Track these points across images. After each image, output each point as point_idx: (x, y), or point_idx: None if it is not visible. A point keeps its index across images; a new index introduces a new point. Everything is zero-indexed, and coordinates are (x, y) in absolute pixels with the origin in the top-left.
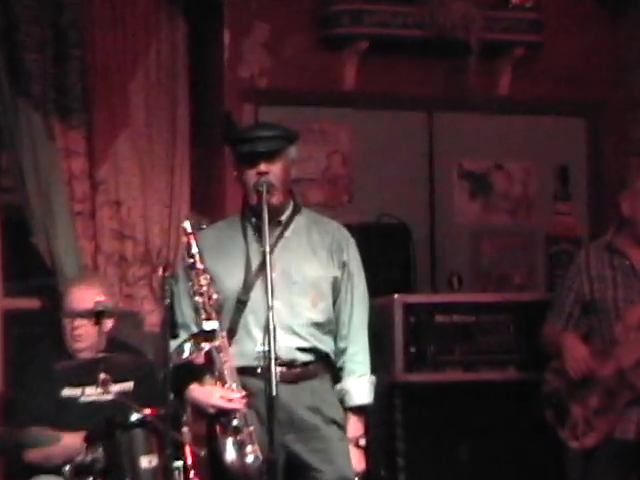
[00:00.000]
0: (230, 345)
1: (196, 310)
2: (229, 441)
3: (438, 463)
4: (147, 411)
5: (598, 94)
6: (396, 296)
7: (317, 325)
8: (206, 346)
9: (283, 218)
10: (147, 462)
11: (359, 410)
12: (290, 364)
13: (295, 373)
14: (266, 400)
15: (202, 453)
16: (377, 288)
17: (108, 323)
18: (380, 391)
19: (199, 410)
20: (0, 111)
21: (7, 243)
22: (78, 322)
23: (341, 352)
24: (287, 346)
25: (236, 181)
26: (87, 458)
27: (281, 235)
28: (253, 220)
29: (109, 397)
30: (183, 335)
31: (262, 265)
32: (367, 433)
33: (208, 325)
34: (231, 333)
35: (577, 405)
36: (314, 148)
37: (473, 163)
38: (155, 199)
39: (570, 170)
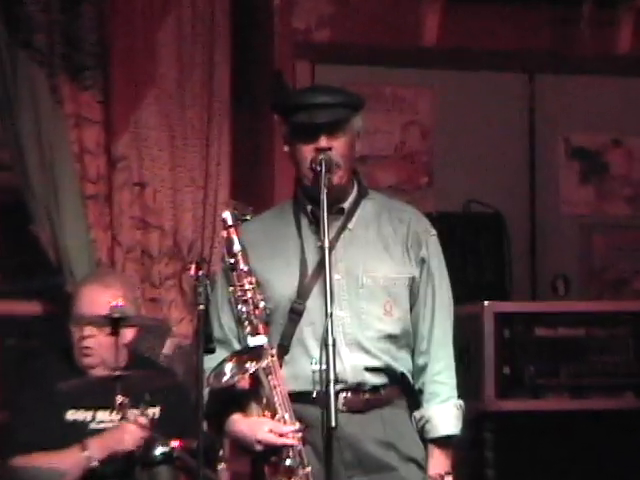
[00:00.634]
0: (281, 366)
1: (239, 322)
2: None
3: None
4: (174, 443)
5: None
6: (487, 303)
7: (391, 338)
8: (251, 367)
9: (346, 205)
10: None
11: (444, 442)
12: (357, 388)
13: (363, 400)
14: (324, 433)
15: None
16: (463, 293)
17: (127, 333)
18: (466, 422)
19: (241, 445)
20: None
21: (2, 233)
22: (89, 331)
23: (420, 371)
24: (353, 365)
25: (288, 159)
26: None
27: (344, 226)
28: (309, 208)
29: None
30: (222, 352)
31: (321, 264)
32: (453, 471)
33: (254, 341)
34: (283, 350)
35: None
36: (385, 118)
37: (584, 138)
38: (187, 180)
39: None
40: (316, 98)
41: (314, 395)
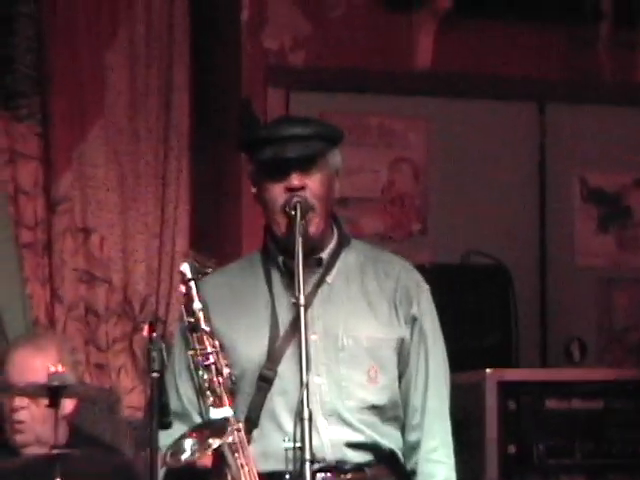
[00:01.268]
0: (250, 442)
1: (200, 391)
2: None
3: None
4: None
5: None
6: (489, 371)
7: (376, 409)
8: (214, 443)
9: (324, 255)
10: None
11: None
12: (337, 467)
13: None
14: None
15: None
16: (462, 358)
17: (67, 405)
18: None
19: None
20: None
21: None
22: (20, 402)
23: (412, 448)
24: (333, 440)
25: (256, 201)
26: None
27: (322, 280)
28: (280, 259)
29: None
30: (180, 427)
31: (295, 324)
32: None
33: (217, 413)
34: (251, 424)
35: None
36: (371, 154)
37: (603, 178)
38: (140, 225)
39: None
40: (286, 130)
41: (287, 476)
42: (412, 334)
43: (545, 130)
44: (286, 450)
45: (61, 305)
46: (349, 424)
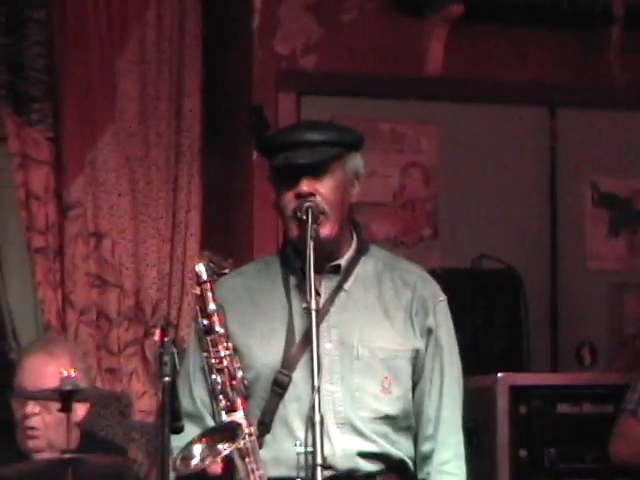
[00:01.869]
0: (261, 447)
1: (213, 395)
2: None
3: None
4: None
5: None
6: (500, 375)
7: (389, 420)
8: (225, 448)
9: (342, 262)
10: None
11: None
12: (348, 475)
13: None
14: None
15: None
16: (473, 363)
17: (79, 409)
18: None
19: None
20: None
21: None
22: (33, 408)
23: (425, 459)
24: (344, 449)
25: (273, 207)
26: None
27: (339, 287)
28: (298, 265)
29: None
30: (193, 429)
31: (310, 331)
32: None
33: (230, 417)
34: (263, 429)
35: None
36: (382, 159)
37: (614, 182)
38: (151, 230)
39: None
40: (298, 136)
41: None
42: (427, 346)
43: (556, 135)
44: (297, 456)
45: (73, 310)
46: (361, 434)
